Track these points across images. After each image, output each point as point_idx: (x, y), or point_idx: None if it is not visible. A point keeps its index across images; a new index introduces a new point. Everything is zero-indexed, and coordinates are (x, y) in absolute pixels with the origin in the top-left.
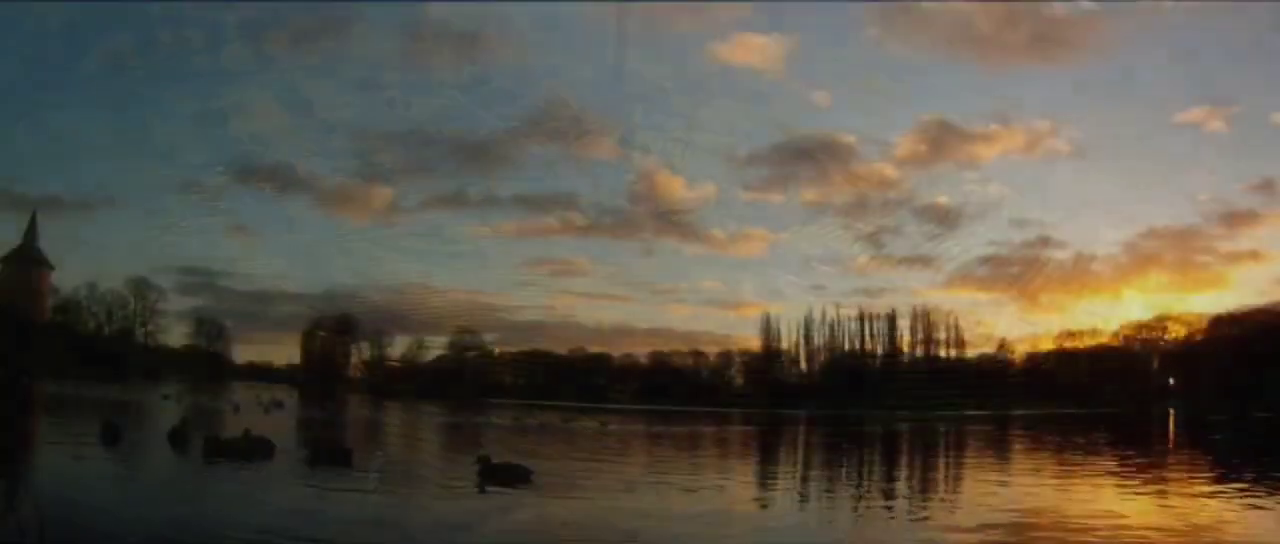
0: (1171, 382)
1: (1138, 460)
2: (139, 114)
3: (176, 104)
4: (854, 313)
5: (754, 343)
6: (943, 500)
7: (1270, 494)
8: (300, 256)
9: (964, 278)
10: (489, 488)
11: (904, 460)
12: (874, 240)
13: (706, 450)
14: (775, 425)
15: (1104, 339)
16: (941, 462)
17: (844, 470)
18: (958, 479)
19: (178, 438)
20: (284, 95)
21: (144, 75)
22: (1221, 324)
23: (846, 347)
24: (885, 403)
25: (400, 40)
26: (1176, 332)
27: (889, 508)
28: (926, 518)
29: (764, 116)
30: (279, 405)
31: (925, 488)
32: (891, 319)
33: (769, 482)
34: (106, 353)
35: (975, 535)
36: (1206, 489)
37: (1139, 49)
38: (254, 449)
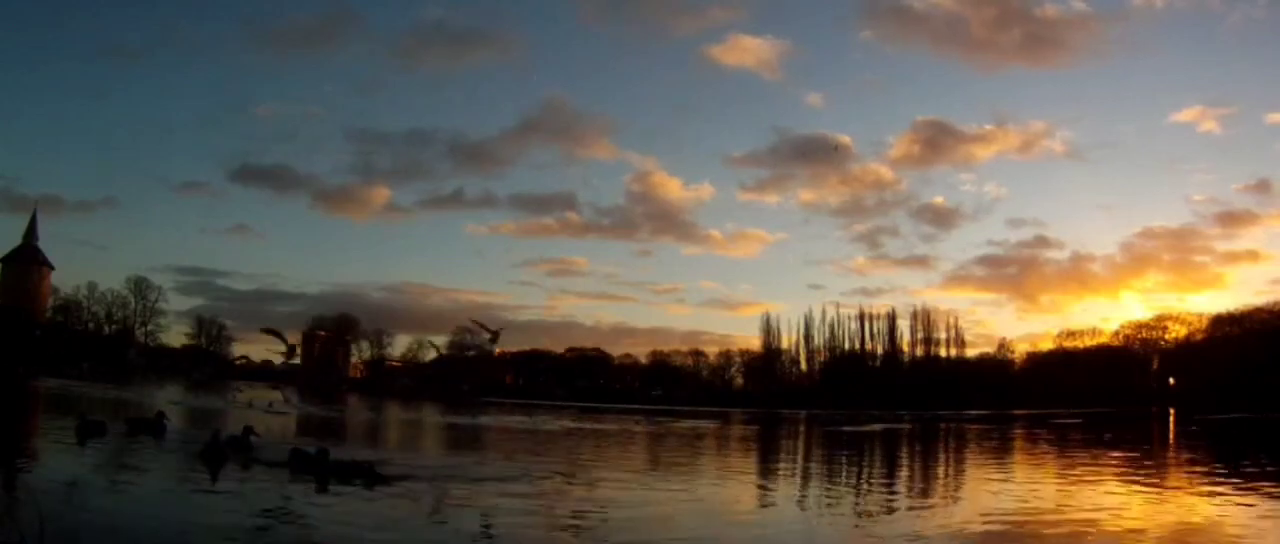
0: (1171, 382)
1: (1136, 464)
2: (141, 112)
3: (178, 103)
4: (854, 313)
5: (754, 343)
6: (940, 501)
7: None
8: (300, 256)
9: (962, 278)
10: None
11: (901, 462)
12: (871, 240)
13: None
14: (773, 424)
15: (1104, 339)
16: (940, 462)
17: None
18: (958, 479)
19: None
20: (284, 95)
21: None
22: (1220, 324)
23: (846, 346)
24: (883, 402)
25: (400, 40)
26: (1176, 332)
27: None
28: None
29: (760, 118)
30: (287, 401)
31: (925, 489)
32: (891, 319)
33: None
34: (106, 352)
35: (974, 533)
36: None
37: (1133, 50)
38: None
